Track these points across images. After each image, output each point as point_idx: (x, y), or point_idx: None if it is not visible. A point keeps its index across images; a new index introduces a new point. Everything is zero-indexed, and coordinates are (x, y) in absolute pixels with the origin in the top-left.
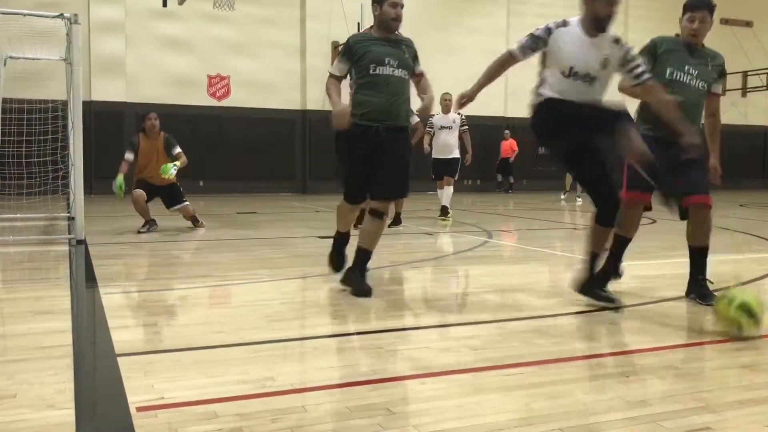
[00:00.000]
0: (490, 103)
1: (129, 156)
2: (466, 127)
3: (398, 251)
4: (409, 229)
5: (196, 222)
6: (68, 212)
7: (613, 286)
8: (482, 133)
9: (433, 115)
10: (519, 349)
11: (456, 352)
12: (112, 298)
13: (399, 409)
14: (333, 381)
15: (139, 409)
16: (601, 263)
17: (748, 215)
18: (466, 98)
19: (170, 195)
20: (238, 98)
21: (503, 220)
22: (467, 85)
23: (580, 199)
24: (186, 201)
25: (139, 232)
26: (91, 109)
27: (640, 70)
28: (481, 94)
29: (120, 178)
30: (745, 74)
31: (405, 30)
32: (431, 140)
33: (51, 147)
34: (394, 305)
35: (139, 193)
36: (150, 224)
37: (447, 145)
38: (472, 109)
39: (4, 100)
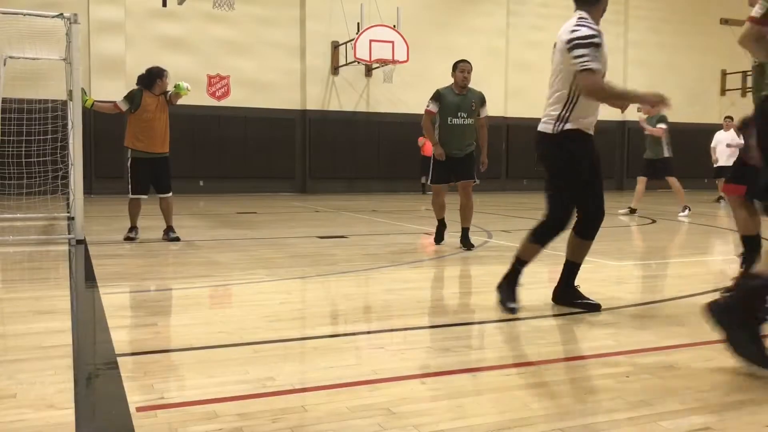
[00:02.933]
0: (489, 104)
1: (123, 106)
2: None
3: (398, 251)
4: (410, 229)
5: (171, 231)
6: (68, 212)
7: (615, 289)
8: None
9: None
10: (519, 349)
11: (456, 352)
12: (112, 298)
13: (399, 409)
14: (333, 381)
15: (139, 409)
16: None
17: None
18: None
19: (164, 177)
20: (238, 98)
21: (503, 220)
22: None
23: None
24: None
25: (125, 239)
26: (91, 108)
27: None
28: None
29: (89, 101)
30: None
31: (405, 30)
32: None
33: (51, 147)
34: (394, 305)
35: (138, 203)
36: (136, 230)
37: None
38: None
39: (4, 100)
